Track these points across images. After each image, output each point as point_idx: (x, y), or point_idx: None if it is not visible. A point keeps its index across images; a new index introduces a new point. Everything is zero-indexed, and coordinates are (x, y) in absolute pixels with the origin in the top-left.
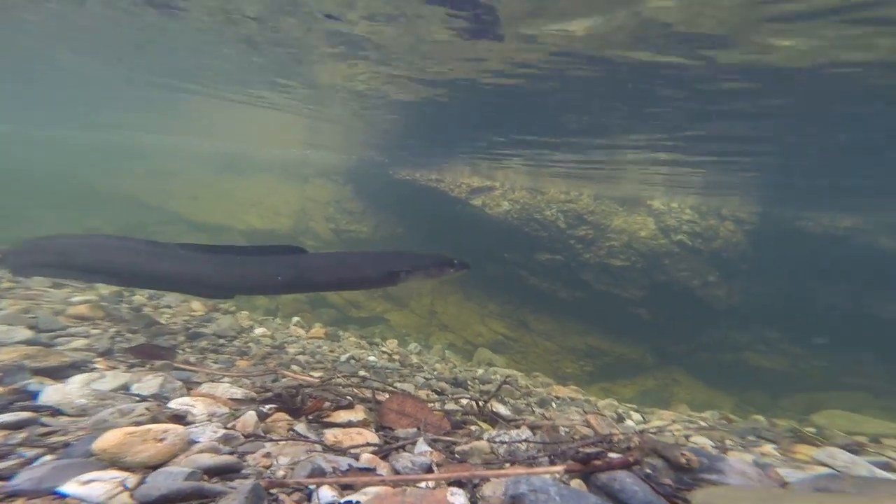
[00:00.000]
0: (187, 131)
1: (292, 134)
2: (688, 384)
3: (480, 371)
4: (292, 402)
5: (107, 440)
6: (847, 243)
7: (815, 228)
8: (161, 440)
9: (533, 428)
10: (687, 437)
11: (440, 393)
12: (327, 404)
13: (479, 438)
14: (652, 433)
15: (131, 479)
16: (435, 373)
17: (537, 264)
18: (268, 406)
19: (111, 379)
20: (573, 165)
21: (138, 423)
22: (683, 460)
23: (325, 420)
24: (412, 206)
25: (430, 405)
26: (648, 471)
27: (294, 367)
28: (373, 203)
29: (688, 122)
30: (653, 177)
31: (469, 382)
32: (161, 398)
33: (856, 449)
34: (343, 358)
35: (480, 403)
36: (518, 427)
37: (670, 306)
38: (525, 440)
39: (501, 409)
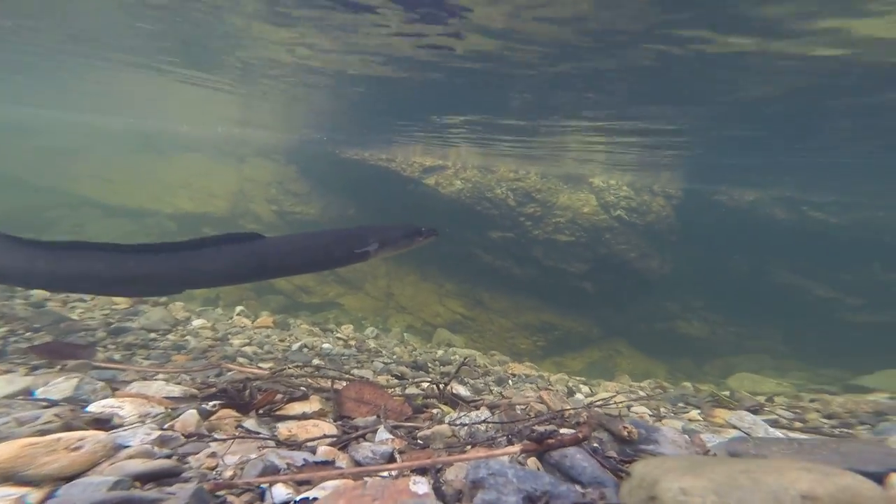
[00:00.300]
0: (94, 107)
1: (223, 111)
2: (629, 354)
3: (440, 352)
4: (240, 397)
5: None
6: (750, 214)
7: (728, 202)
8: (76, 449)
9: (492, 408)
10: (629, 407)
11: (400, 377)
12: (280, 397)
13: (440, 422)
14: (598, 406)
15: (34, 494)
16: (394, 357)
17: (490, 242)
18: (211, 403)
19: (3, 384)
20: (520, 145)
21: (45, 432)
22: (625, 433)
23: (278, 413)
24: (363, 186)
25: (390, 391)
26: (596, 445)
27: (240, 360)
28: (320, 184)
29: (622, 107)
30: (593, 155)
31: (429, 364)
32: (77, 402)
33: (756, 409)
34: (295, 347)
35: (441, 386)
36: (478, 408)
37: (612, 279)
38: (484, 421)
39: (462, 391)
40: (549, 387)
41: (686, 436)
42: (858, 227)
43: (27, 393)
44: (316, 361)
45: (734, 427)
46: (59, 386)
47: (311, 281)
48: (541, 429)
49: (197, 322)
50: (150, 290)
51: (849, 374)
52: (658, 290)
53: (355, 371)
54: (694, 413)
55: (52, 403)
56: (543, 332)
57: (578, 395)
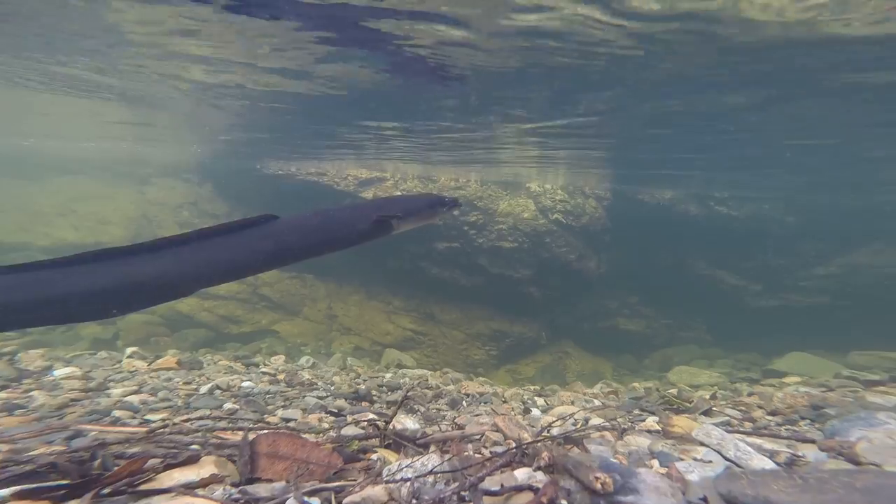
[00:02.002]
0: None
1: (114, 127)
2: (576, 355)
3: (388, 376)
4: (79, 472)
5: None
6: (670, 211)
7: (650, 200)
8: None
9: (442, 445)
10: (587, 420)
11: (337, 414)
12: (155, 462)
13: (378, 476)
14: (557, 427)
15: None
16: (332, 388)
17: (437, 253)
18: (12, 489)
19: None
20: (457, 152)
21: None
22: (598, 484)
23: (144, 488)
24: (291, 204)
25: (321, 435)
26: (564, 503)
27: (118, 414)
28: (240, 203)
29: (549, 112)
30: (526, 160)
31: (374, 392)
32: None
33: (708, 411)
34: (204, 390)
35: (382, 424)
36: (426, 448)
37: (555, 282)
38: (432, 472)
39: (409, 423)
40: (506, 402)
41: (667, 479)
42: (752, 220)
43: None
44: (229, 406)
45: (702, 444)
46: None
47: (239, 309)
48: (495, 486)
49: (62, 371)
50: (153, 298)
51: (761, 357)
52: (597, 289)
53: (280, 412)
54: (651, 421)
55: None
56: (495, 341)
57: (535, 412)
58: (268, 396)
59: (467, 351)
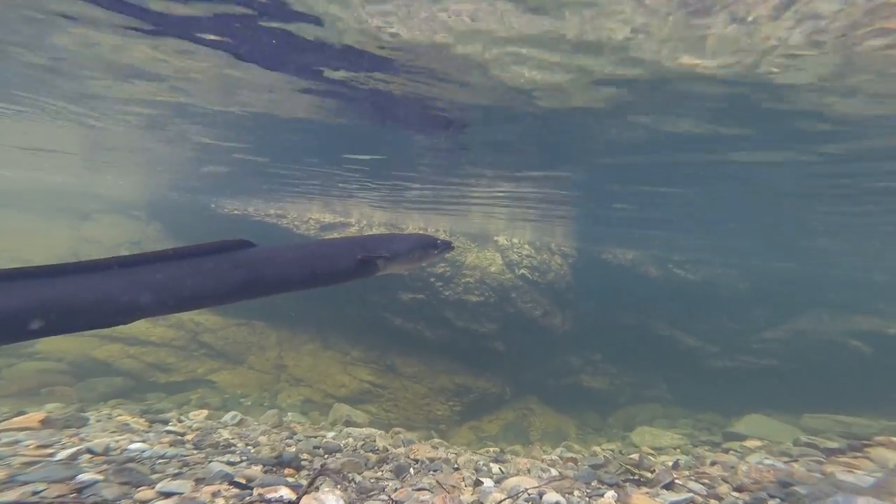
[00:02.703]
0: None
1: (57, 157)
2: (541, 412)
3: (330, 435)
4: None
5: None
6: (632, 272)
7: (613, 260)
8: None
9: None
10: (541, 495)
11: (244, 486)
12: None
13: None
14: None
15: None
16: (252, 451)
17: (401, 304)
18: None
19: None
20: (427, 202)
21: None
22: None
23: None
24: None
25: None
26: None
27: None
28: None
29: (515, 174)
30: (495, 212)
31: (305, 457)
32: None
33: (670, 485)
34: (62, 455)
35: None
36: None
37: (520, 338)
38: None
39: (331, 501)
40: (459, 469)
41: None
42: (707, 284)
43: None
44: (85, 477)
45: None
46: None
47: (172, 356)
48: None
49: None
50: (85, 322)
51: (721, 418)
52: (562, 345)
53: (163, 484)
54: (610, 497)
55: None
56: (459, 396)
57: (487, 483)
58: (159, 462)
59: (429, 406)
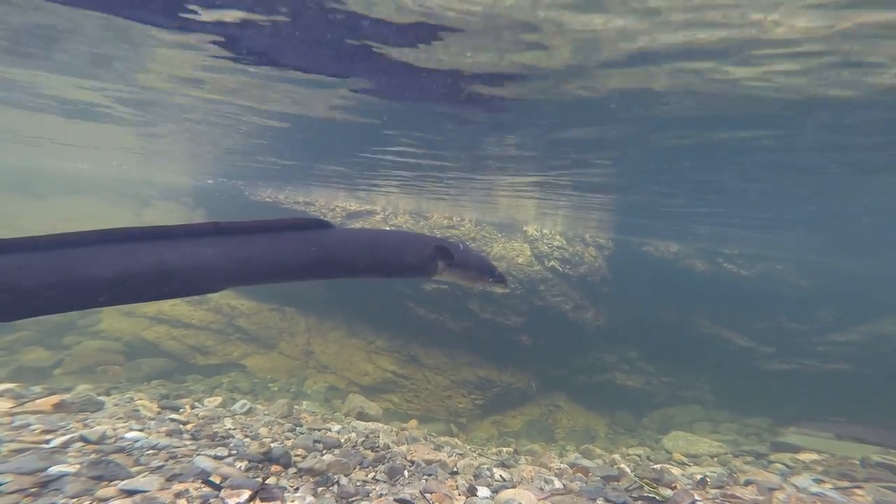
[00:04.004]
0: None
1: (123, 151)
2: (569, 409)
3: (336, 428)
4: None
5: None
6: (675, 266)
7: (654, 252)
8: None
9: None
10: None
11: (217, 485)
12: None
13: None
14: None
15: None
16: (245, 443)
17: (424, 294)
18: None
19: None
20: (454, 191)
21: None
22: None
23: None
24: None
25: None
26: None
27: None
28: None
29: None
30: (525, 202)
31: (298, 452)
32: None
33: None
34: (56, 442)
35: None
36: None
37: (548, 332)
38: None
39: None
40: (456, 474)
41: None
42: (763, 280)
43: None
44: (57, 469)
45: None
46: None
47: (210, 340)
48: None
49: None
50: (178, 289)
51: (771, 423)
52: (594, 341)
53: (131, 481)
54: None
55: None
56: (482, 389)
57: (481, 492)
58: (147, 454)
59: (451, 398)
